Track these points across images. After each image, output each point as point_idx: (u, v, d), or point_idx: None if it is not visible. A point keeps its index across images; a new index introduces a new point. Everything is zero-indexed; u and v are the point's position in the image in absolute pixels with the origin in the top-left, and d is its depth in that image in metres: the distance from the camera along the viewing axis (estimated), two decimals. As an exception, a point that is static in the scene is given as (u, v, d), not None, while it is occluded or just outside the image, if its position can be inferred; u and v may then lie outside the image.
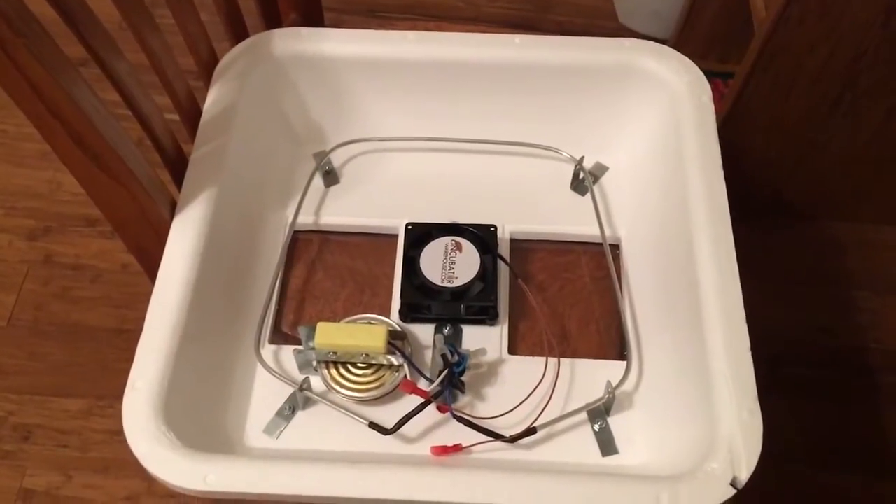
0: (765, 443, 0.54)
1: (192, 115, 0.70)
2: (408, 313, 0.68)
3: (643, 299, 0.69)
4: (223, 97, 0.71)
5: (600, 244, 0.72)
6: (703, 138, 0.67)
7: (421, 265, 0.67)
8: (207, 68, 0.73)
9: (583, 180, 0.75)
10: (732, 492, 0.53)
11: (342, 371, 0.64)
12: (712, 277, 0.60)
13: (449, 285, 0.66)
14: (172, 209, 0.65)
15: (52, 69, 0.51)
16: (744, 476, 0.53)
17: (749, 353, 0.57)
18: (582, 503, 0.53)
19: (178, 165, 0.68)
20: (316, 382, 0.64)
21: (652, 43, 0.73)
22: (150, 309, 0.60)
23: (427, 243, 0.69)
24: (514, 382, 0.65)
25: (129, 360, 0.58)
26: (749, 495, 0.54)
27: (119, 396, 1.06)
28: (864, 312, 1.12)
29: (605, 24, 1.35)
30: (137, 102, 0.62)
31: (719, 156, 0.66)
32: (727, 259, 0.61)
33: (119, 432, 1.03)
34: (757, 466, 0.54)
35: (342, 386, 0.64)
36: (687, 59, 0.72)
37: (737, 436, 0.54)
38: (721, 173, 0.65)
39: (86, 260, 1.13)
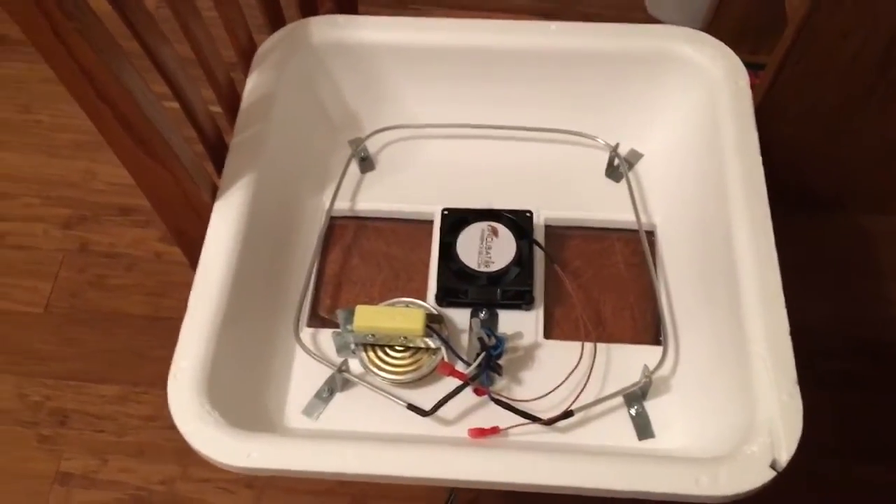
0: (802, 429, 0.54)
1: (232, 105, 0.72)
2: (444, 297, 0.68)
3: (678, 285, 0.69)
4: (262, 85, 0.72)
5: (635, 231, 0.72)
6: (740, 123, 0.67)
7: (457, 250, 0.68)
8: (246, 57, 0.74)
9: (618, 167, 0.75)
10: (772, 474, 0.53)
11: (380, 353, 0.65)
12: (751, 261, 0.60)
13: (486, 270, 0.67)
14: (213, 194, 0.66)
15: (103, 53, 0.52)
16: (784, 458, 0.53)
17: (788, 337, 0.57)
18: (621, 482, 0.53)
19: (219, 154, 0.69)
20: (354, 365, 0.65)
21: (687, 29, 0.74)
22: (192, 291, 0.61)
23: (463, 228, 0.69)
24: (550, 366, 0.65)
25: (164, 347, 0.59)
26: (779, 487, 0.53)
27: (154, 383, 1.08)
28: (894, 305, 1.11)
29: (634, 16, 1.35)
30: (184, 92, 0.63)
31: (757, 140, 0.66)
32: (766, 242, 0.61)
33: (154, 417, 1.05)
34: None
35: (380, 368, 0.64)
36: (723, 45, 0.72)
37: (776, 419, 0.54)
38: (759, 158, 0.65)
39: (120, 248, 1.15)
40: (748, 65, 0.72)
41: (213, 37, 0.67)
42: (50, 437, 1.01)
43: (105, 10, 0.53)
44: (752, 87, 0.99)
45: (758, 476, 0.53)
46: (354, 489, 0.97)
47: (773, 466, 0.53)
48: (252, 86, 0.72)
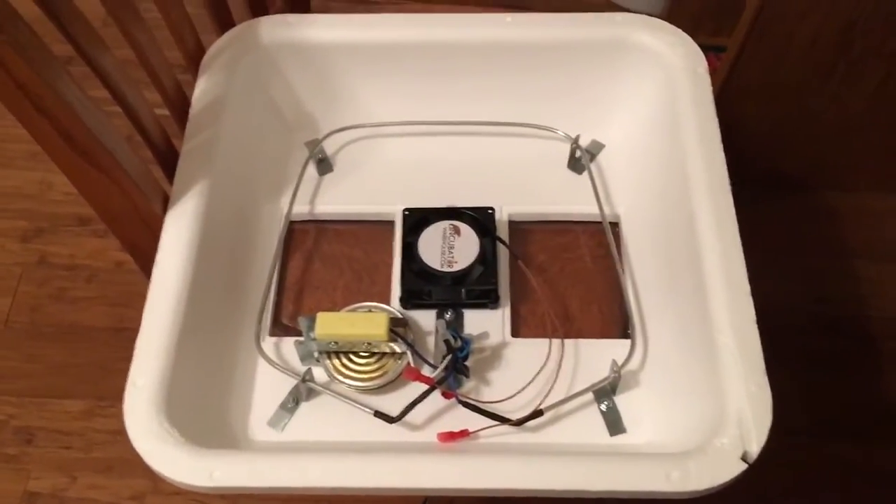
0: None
1: (181, 108, 0.69)
2: (408, 300, 0.67)
3: (645, 276, 0.68)
4: (211, 88, 0.70)
5: (599, 222, 0.71)
6: (700, 110, 0.66)
7: (420, 251, 0.67)
8: (195, 60, 0.72)
9: (579, 159, 0.74)
10: (743, 466, 0.52)
11: (345, 361, 0.63)
12: (715, 250, 0.60)
13: (449, 270, 0.66)
14: (165, 204, 0.64)
15: (37, 66, 0.50)
16: (754, 450, 0.53)
17: (755, 326, 0.57)
18: (591, 483, 0.52)
19: (169, 160, 0.67)
20: (319, 373, 0.64)
21: (644, 16, 0.73)
22: (146, 305, 0.59)
23: (425, 228, 0.68)
24: (519, 365, 0.64)
25: (129, 359, 0.57)
26: (751, 466, 0.53)
27: (120, 396, 1.05)
28: (863, 281, 1.11)
29: (595, 2, 1.34)
30: (126, 98, 0.61)
31: (717, 127, 0.65)
32: (729, 231, 0.60)
33: (122, 432, 1.02)
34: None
35: (345, 376, 0.63)
36: (680, 32, 0.71)
37: (746, 410, 0.54)
38: (720, 144, 0.64)
39: (80, 260, 1.12)
40: (710, 47, 0.71)
41: (156, 40, 0.65)
42: (16, 456, 0.99)
43: (35, 15, 0.51)
44: (714, 69, 0.99)
45: (729, 469, 0.52)
46: (330, 495, 0.96)
47: (744, 458, 0.53)
48: (201, 90, 0.70)
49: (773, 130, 1.09)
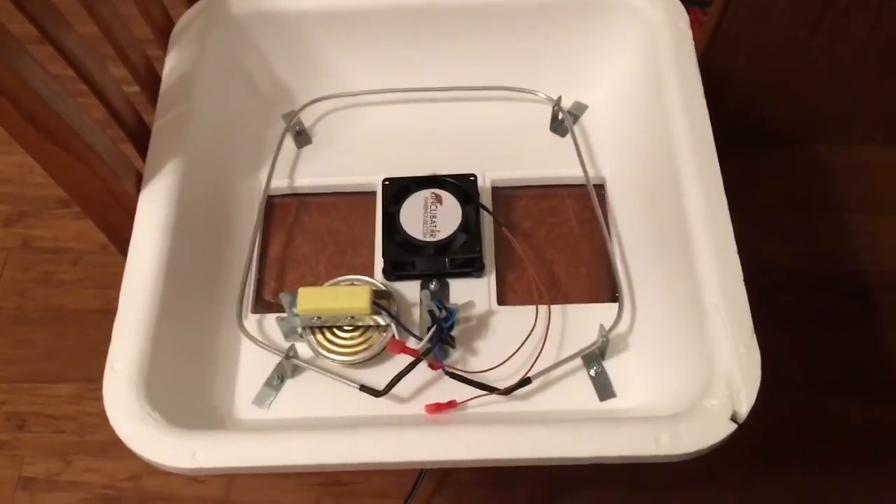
0: (764, 374, 0.53)
1: (152, 84, 0.68)
2: (392, 271, 0.66)
3: (632, 238, 0.67)
4: (182, 62, 0.68)
5: (585, 185, 0.70)
6: (682, 66, 0.65)
7: (401, 221, 0.65)
8: (164, 34, 0.70)
9: (562, 121, 0.73)
10: (733, 427, 0.52)
11: (329, 335, 0.62)
12: (701, 210, 0.58)
13: (431, 239, 0.64)
14: (139, 183, 0.63)
15: (-8, 44, 0.48)
16: (744, 410, 0.52)
17: (742, 286, 0.56)
18: (581, 449, 0.52)
19: (142, 138, 0.65)
20: (303, 349, 0.63)
21: (624, -29, 0.71)
22: (122, 287, 0.58)
23: (406, 198, 0.67)
24: (506, 333, 0.63)
25: (115, 341, 0.56)
26: (748, 426, 0.52)
27: (111, 378, 1.03)
28: (859, 235, 1.10)
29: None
30: (92, 75, 0.60)
31: (700, 83, 0.64)
32: (715, 190, 0.59)
33: (113, 414, 1.01)
34: (757, 399, 0.52)
35: (330, 351, 0.62)
36: (661, -14, 0.69)
37: (735, 371, 0.53)
38: (703, 101, 0.63)
39: (64, 243, 1.11)
40: (696, 2, 0.70)
41: (121, 15, 0.63)
42: (8, 441, 0.98)
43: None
44: (700, 23, 0.97)
45: (719, 430, 0.52)
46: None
47: (733, 419, 0.52)
48: (172, 64, 0.68)
49: (762, 84, 1.07)
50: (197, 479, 0.96)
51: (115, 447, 0.97)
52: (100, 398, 1.01)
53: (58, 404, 1.00)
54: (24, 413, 1.00)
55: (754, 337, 0.54)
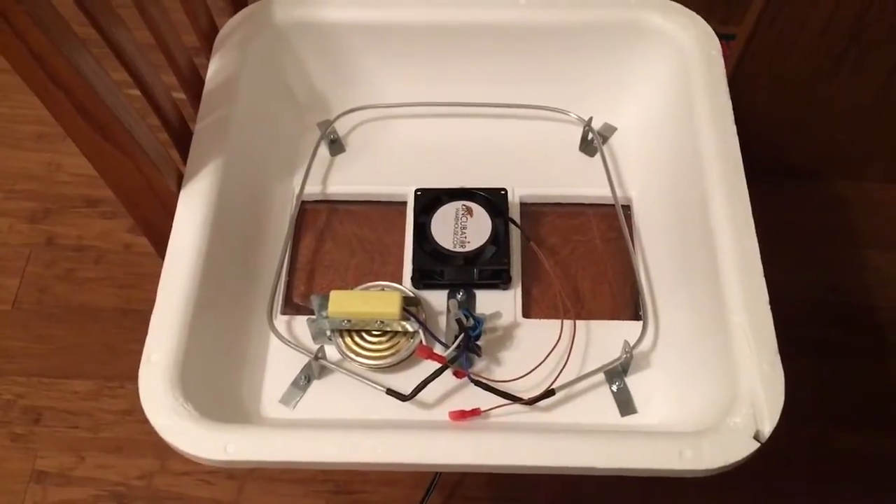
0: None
1: (196, 90, 0.69)
2: (420, 279, 0.67)
3: (656, 258, 0.68)
4: (225, 68, 0.70)
5: (611, 205, 0.71)
6: (713, 91, 0.66)
7: (432, 230, 0.67)
8: (208, 40, 0.72)
9: (592, 141, 0.74)
10: (756, 445, 0.52)
11: (357, 339, 0.64)
12: (728, 231, 0.60)
13: (461, 250, 0.66)
14: (179, 182, 0.64)
15: (53, 36, 0.49)
16: (767, 429, 0.53)
17: (767, 305, 0.57)
18: (604, 460, 0.52)
19: (185, 142, 0.67)
20: (331, 351, 0.64)
21: (658, -1, 0.72)
22: (161, 281, 0.59)
23: (437, 209, 0.68)
24: (530, 345, 0.64)
25: (136, 340, 0.57)
26: (762, 455, 0.53)
27: (128, 377, 1.06)
28: (872, 270, 1.11)
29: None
30: (143, 77, 0.61)
31: (731, 109, 0.65)
32: (742, 212, 0.60)
33: (130, 412, 1.03)
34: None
35: (357, 354, 0.63)
36: (693, 14, 0.71)
37: (758, 389, 0.54)
38: (733, 126, 0.64)
39: (88, 241, 1.12)
40: (720, 35, 0.71)
41: (171, 21, 0.65)
42: (23, 435, 0.99)
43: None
44: (724, 57, 0.99)
45: (742, 448, 0.52)
46: (337, 475, 0.96)
47: (756, 437, 0.53)
48: (215, 69, 0.70)
49: (783, 118, 1.08)
50: (208, 480, 0.96)
51: (128, 444, 0.99)
52: (116, 396, 1.03)
53: (74, 400, 1.01)
54: (41, 407, 1.01)
55: (778, 356, 0.55)
